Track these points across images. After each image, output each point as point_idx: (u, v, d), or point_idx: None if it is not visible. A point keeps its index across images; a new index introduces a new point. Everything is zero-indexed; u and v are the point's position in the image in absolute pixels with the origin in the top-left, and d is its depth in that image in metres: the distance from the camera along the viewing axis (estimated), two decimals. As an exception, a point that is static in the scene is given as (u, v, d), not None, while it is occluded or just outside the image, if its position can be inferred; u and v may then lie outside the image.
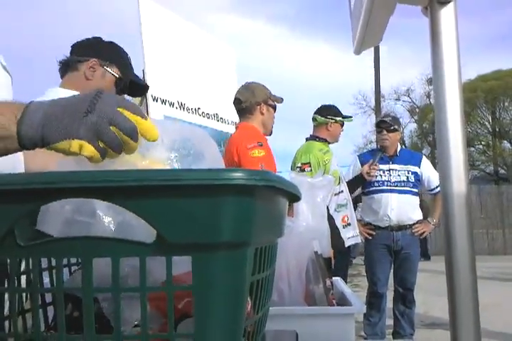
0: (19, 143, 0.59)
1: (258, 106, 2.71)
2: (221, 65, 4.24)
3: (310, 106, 3.58)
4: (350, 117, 3.50)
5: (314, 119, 3.41)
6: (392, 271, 3.68)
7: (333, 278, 1.42)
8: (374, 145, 3.73)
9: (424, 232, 3.64)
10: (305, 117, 3.51)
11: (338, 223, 3.12)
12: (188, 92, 3.75)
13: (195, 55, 3.92)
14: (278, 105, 2.81)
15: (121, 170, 0.52)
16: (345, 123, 3.43)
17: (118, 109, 0.58)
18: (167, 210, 0.52)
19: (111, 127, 0.57)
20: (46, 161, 0.71)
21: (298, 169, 3.12)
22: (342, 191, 3.21)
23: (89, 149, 0.57)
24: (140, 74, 2.24)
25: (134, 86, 1.77)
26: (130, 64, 1.78)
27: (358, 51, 0.88)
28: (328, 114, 3.37)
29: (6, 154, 0.62)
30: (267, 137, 2.76)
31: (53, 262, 0.61)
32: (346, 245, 3.19)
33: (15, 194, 0.51)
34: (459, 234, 0.83)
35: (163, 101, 3.49)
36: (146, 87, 1.90)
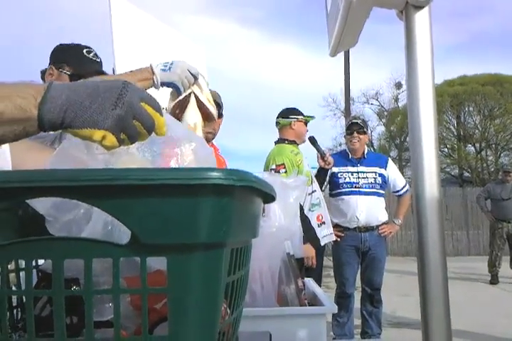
0: (39, 126, 0.59)
1: None
2: (192, 64, 4.21)
3: (281, 108, 3.58)
4: (312, 116, 3.52)
5: (277, 123, 3.44)
6: (359, 271, 3.73)
7: (305, 278, 1.43)
8: (344, 148, 3.78)
9: (390, 233, 3.71)
10: (274, 119, 3.52)
11: (314, 222, 3.15)
12: (156, 91, 3.69)
13: (166, 53, 3.87)
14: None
15: (94, 168, 0.50)
16: (309, 122, 3.45)
17: (141, 103, 0.61)
18: (142, 210, 0.51)
19: (134, 121, 0.60)
20: (37, 161, 0.70)
21: (272, 171, 3.12)
22: (315, 190, 3.23)
23: (111, 140, 0.59)
24: (110, 72, 2.23)
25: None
26: (90, 58, 1.95)
27: (333, 53, 0.89)
28: (289, 115, 3.40)
29: (25, 137, 0.62)
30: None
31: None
32: (322, 244, 3.22)
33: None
34: (431, 235, 0.84)
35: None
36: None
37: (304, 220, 3.03)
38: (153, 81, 1.34)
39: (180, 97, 1.26)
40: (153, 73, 1.34)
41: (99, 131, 0.58)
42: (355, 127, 3.70)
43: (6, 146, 0.94)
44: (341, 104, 19.14)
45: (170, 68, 1.35)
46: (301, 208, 3.05)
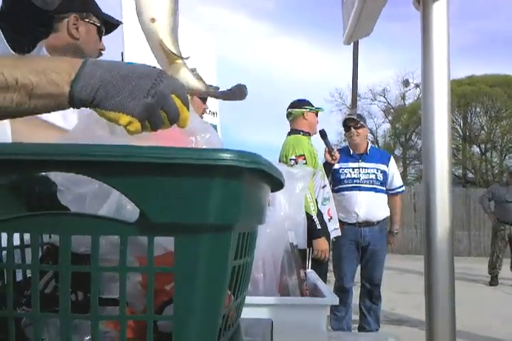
0: (69, 102, 0.60)
1: None
2: (201, 53, 4.19)
3: (287, 101, 3.57)
4: (321, 108, 3.52)
5: (289, 114, 3.39)
6: (359, 266, 3.74)
7: (307, 270, 1.43)
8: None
9: (394, 244, 3.87)
10: (282, 112, 3.50)
11: (325, 216, 3.15)
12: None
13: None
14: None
15: (106, 144, 0.50)
16: (318, 114, 3.44)
17: (172, 95, 0.61)
18: (152, 188, 0.50)
19: (161, 111, 0.61)
20: (39, 136, 0.70)
21: (292, 161, 3.05)
22: (326, 185, 3.23)
23: (136, 126, 0.60)
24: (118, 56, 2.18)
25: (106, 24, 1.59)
26: (96, 3, 1.57)
27: (348, 41, 0.88)
28: (301, 105, 3.38)
29: (56, 110, 0.63)
30: None
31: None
32: (331, 237, 3.22)
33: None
34: (440, 235, 0.82)
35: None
36: (117, 25, 1.65)
37: (320, 214, 3.04)
38: None
39: None
40: None
41: (127, 116, 0.58)
42: (350, 123, 3.71)
43: (6, 120, 0.92)
44: (347, 100, 19.04)
45: None
46: (317, 202, 3.06)
